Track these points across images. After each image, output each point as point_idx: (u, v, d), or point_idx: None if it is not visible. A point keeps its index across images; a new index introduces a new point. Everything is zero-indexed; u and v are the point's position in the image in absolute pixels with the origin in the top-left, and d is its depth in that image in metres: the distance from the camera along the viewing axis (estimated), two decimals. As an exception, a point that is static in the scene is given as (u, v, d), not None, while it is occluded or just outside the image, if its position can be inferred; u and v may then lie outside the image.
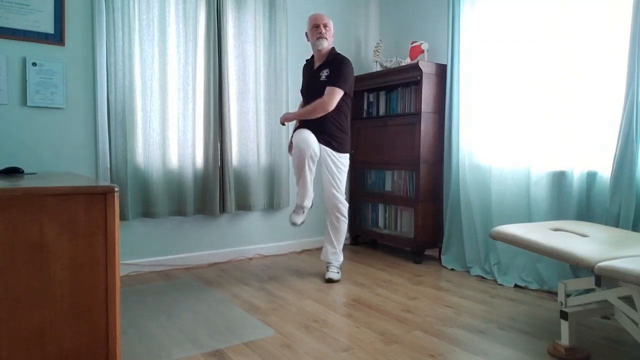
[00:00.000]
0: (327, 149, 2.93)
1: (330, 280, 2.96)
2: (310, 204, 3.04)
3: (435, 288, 2.87)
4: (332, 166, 2.94)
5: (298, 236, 3.88)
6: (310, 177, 2.88)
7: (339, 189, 2.97)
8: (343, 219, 3.03)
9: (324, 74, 2.92)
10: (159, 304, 2.53)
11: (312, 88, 2.97)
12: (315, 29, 2.93)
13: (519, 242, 2.06)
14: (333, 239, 3.04)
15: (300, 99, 3.25)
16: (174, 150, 3.27)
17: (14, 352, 1.20)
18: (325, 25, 2.94)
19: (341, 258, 3.10)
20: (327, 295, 2.72)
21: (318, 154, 2.87)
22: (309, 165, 2.83)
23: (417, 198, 3.47)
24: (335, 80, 2.84)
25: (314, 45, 2.97)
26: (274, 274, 3.19)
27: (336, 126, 2.94)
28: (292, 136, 3.02)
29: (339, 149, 2.96)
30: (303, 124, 2.99)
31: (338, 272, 3.04)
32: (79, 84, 2.97)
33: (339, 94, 2.85)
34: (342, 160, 2.99)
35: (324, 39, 2.92)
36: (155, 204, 3.17)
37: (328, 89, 2.84)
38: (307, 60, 3.16)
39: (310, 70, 3.05)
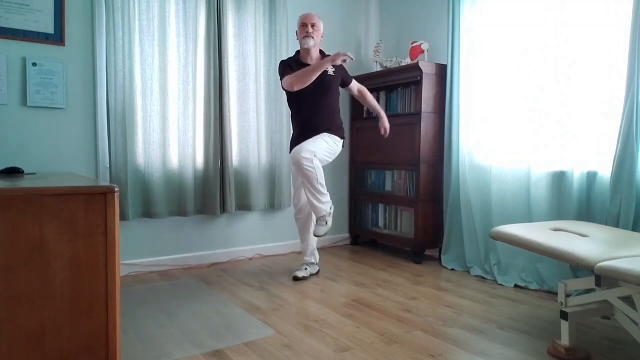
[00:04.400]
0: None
1: (317, 235, 2.87)
2: (313, 267, 3.13)
3: (435, 288, 2.87)
4: (316, 138, 2.90)
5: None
6: (303, 240, 3.15)
7: (308, 149, 2.80)
8: (307, 167, 2.76)
9: (330, 69, 2.99)
10: (159, 304, 2.53)
11: (322, 83, 2.91)
12: (303, 27, 2.95)
13: (519, 242, 2.06)
14: (308, 188, 2.82)
15: (284, 101, 3.27)
16: (174, 150, 3.27)
17: (14, 352, 1.20)
18: (313, 25, 2.94)
19: (327, 207, 2.87)
20: (327, 295, 2.72)
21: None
22: (305, 227, 3.12)
23: (417, 198, 3.47)
24: (348, 75, 3.20)
25: (300, 43, 2.99)
26: (274, 274, 3.19)
27: (328, 115, 2.99)
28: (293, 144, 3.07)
29: (333, 133, 3.00)
30: (301, 131, 2.98)
31: (324, 225, 2.86)
32: (79, 84, 2.97)
33: None
34: (331, 139, 2.95)
35: (310, 38, 2.93)
36: (155, 204, 3.17)
37: (355, 82, 3.25)
38: (292, 60, 3.02)
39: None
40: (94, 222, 1.27)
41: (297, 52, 3.07)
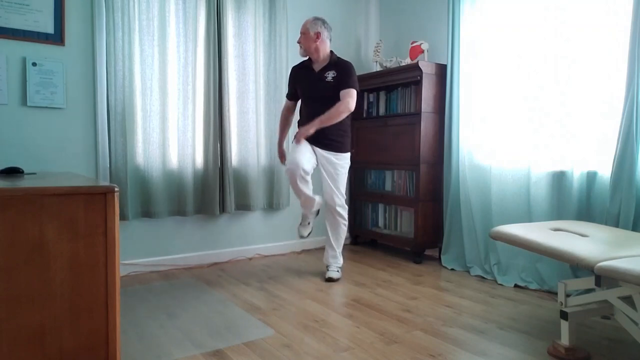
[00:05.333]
0: (327, 152, 2.96)
1: (330, 280, 2.99)
2: (316, 210, 3.10)
3: (435, 288, 2.87)
4: (332, 170, 2.97)
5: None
6: (307, 191, 2.93)
7: (339, 192, 3.00)
8: (343, 222, 3.06)
9: (330, 75, 2.93)
10: (159, 304, 2.53)
11: (316, 89, 2.96)
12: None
13: (519, 242, 2.06)
14: (333, 243, 3.07)
15: (283, 102, 3.29)
16: (173, 150, 3.27)
17: (14, 352, 1.20)
18: (302, 33, 2.98)
19: (341, 261, 3.12)
20: (327, 295, 2.72)
21: (309, 169, 2.89)
22: (302, 183, 2.87)
23: (417, 198, 3.47)
24: (349, 82, 2.90)
25: (316, 50, 2.99)
26: (274, 274, 3.19)
27: (337, 128, 2.94)
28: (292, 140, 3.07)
29: (339, 149, 2.99)
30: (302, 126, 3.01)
31: (338, 271, 3.07)
32: (79, 84, 2.97)
33: (355, 94, 2.91)
34: (342, 162, 3.00)
35: (300, 46, 3.01)
36: (155, 204, 3.17)
37: (345, 90, 2.88)
38: (300, 64, 3.11)
39: (309, 73, 3.02)
40: (94, 222, 1.27)
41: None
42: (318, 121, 2.85)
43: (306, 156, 2.89)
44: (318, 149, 2.97)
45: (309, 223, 3.14)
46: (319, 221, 3.67)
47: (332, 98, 2.91)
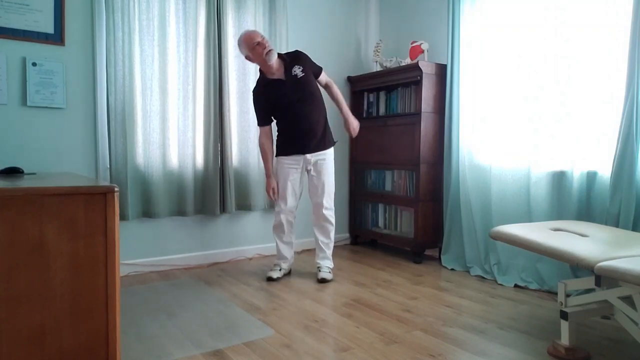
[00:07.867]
0: (317, 153, 2.96)
1: (323, 280, 2.97)
2: (287, 268, 3.11)
3: (435, 288, 2.87)
4: (322, 169, 2.98)
5: (298, 236, 3.86)
6: (283, 243, 3.08)
7: (327, 195, 3.01)
8: (331, 226, 3.07)
9: (298, 70, 2.88)
10: (159, 304, 2.53)
11: (297, 91, 2.86)
12: (258, 45, 2.80)
13: (519, 242, 2.06)
14: (323, 247, 3.07)
15: (253, 125, 3.34)
16: (174, 150, 3.27)
17: (14, 352, 1.20)
18: (263, 38, 2.83)
19: (332, 264, 3.11)
20: (327, 295, 2.72)
21: (293, 218, 3.08)
22: (288, 228, 3.06)
23: (417, 198, 3.47)
24: (315, 65, 3.01)
25: (265, 61, 2.81)
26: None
27: (320, 124, 2.97)
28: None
29: (328, 144, 3.03)
30: (288, 139, 2.97)
31: (330, 273, 3.05)
32: (79, 84, 2.97)
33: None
34: (331, 157, 3.03)
35: (274, 50, 2.82)
36: (155, 204, 3.17)
37: (323, 74, 3.03)
38: (261, 83, 2.93)
39: (279, 82, 2.87)
40: (94, 222, 1.27)
41: (260, 71, 2.95)
42: (348, 111, 3.05)
43: (296, 195, 3.03)
44: (307, 156, 2.96)
45: (280, 269, 3.06)
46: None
47: (313, 90, 2.94)
